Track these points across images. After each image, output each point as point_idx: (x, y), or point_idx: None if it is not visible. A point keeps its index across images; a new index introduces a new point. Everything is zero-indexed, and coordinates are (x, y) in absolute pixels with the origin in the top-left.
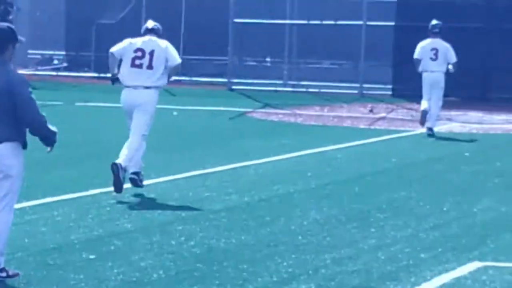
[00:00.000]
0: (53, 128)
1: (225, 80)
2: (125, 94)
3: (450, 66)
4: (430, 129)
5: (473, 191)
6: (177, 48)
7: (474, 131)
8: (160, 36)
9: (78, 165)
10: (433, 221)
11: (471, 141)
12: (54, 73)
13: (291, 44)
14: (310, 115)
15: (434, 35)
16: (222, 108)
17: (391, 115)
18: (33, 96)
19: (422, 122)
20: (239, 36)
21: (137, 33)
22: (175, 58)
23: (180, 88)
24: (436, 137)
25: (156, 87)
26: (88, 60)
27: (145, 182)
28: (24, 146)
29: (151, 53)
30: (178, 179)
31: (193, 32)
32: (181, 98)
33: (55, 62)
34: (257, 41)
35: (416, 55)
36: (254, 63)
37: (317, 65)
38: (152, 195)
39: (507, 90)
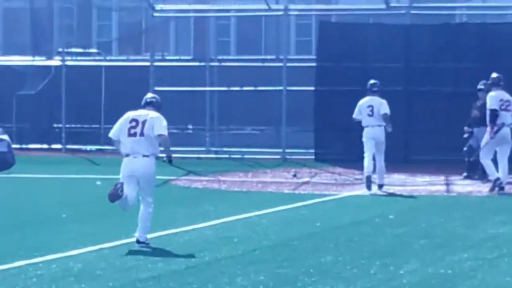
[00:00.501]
0: None
1: None
2: (126, 163)
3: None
4: (381, 185)
5: (399, 253)
6: (98, 118)
7: (398, 193)
8: (158, 107)
9: (1, 236)
10: (361, 284)
11: (395, 203)
12: None
13: (213, 110)
14: (234, 181)
15: (372, 93)
16: None
17: (314, 179)
18: None
19: (369, 186)
20: None
21: (55, 104)
22: (160, 128)
23: (102, 157)
24: (376, 195)
25: (153, 155)
26: (9, 131)
27: (71, 253)
28: None
29: (143, 122)
30: (104, 248)
31: (113, 101)
32: (103, 167)
33: None
34: (178, 109)
35: (354, 115)
36: (176, 131)
37: (239, 131)
38: (78, 265)
39: (428, 152)
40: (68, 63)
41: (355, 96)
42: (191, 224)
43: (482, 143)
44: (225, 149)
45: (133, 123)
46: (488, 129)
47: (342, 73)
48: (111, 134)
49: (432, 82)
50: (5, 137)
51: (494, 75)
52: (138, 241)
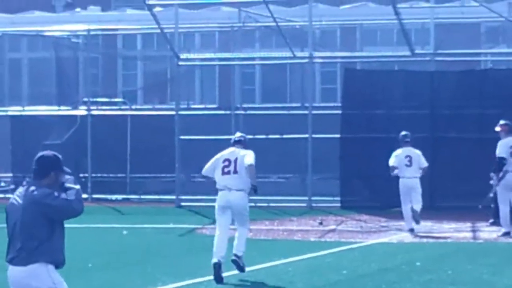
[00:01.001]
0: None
1: (173, 197)
2: (221, 195)
3: (420, 171)
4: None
5: None
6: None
7: (425, 240)
8: (245, 144)
9: None
10: None
11: (422, 250)
12: (1, 195)
13: None
14: (260, 229)
15: (406, 144)
16: (171, 226)
17: (340, 227)
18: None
19: (417, 220)
20: (186, 152)
21: (81, 153)
22: (249, 160)
23: (128, 206)
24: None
25: (244, 190)
26: None
27: None
28: (57, 265)
29: (235, 161)
30: None
31: (139, 150)
32: (130, 216)
33: (2, 184)
34: (204, 157)
35: (391, 162)
36: (202, 179)
37: (265, 179)
38: None
39: (454, 198)
40: (93, 112)
41: (381, 143)
42: None
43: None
44: (250, 197)
45: (226, 163)
46: (494, 177)
47: (367, 120)
48: (204, 172)
49: (457, 128)
50: (76, 186)
51: (502, 122)
52: (236, 256)
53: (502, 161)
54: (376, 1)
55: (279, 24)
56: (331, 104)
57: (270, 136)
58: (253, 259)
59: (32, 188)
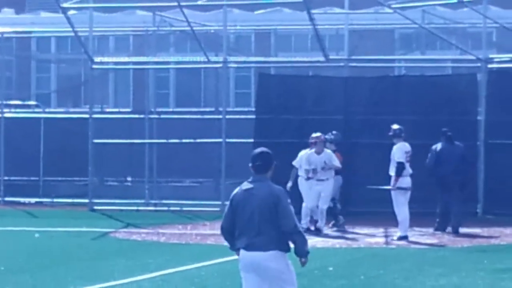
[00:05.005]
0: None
1: (86, 200)
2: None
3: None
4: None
5: None
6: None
7: (337, 245)
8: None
9: None
10: None
11: (335, 255)
12: None
13: (152, 163)
14: (173, 233)
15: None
16: (84, 229)
17: None
18: (291, 206)
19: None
20: (99, 156)
21: None
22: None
23: (41, 210)
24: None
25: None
26: None
27: None
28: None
29: None
30: None
31: (52, 153)
32: (42, 219)
33: None
34: (117, 161)
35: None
36: (115, 183)
37: (178, 184)
38: None
39: (367, 204)
40: (6, 115)
41: (294, 148)
42: (130, 276)
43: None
44: (164, 201)
45: None
46: (393, 180)
47: (281, 125)
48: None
49: (371, 134)
50: None
51: (395, 126)
52: None
53: (402, 165)
54: (290, 6)
55: (194, 28)
56: (245, 109)
57: (184, 141)
58: (166, 263)
59: None
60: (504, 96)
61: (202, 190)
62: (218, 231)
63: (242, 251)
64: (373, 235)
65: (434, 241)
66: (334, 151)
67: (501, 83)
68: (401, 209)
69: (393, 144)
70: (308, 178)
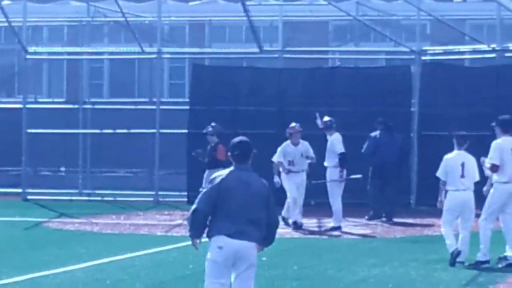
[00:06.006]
0: None
1: (19, 190)
2: None
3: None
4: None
5: None
6: None
7: None
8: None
9: None
10: None
11: None
12: None
13: (85, 153)
14: (106, 223)
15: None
16: (17, 219)
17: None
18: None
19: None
20: (33, 146)
21: None
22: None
23: None
24: None
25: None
26: None
27: None
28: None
29: None
30: None
31: None
32: None
33: None
34: (51, 151)
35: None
36: (49, 173)
37: (112, 174)
38: None
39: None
40: None
41: (228, 139)
42: (63, 266)
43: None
44: (97, 191)
45: None
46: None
47: (215, 116)
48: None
49: (305, 125)
50: None
51: (326, 118)
52: None
53: (345, 156)
54: None
55: (128, 19)
56: (179, 100)
57: (118, 131)
58: (100, 253)
59: None
60: (437, 88)
61: (136, 180)
62: (152, 221)
63: (225, 238)
64: (306, 226)
65: (367, 231)
66: (217, 144)
67: (434, 75)
68: (336, 199)
69: (325, 135)
70: (288, 172)
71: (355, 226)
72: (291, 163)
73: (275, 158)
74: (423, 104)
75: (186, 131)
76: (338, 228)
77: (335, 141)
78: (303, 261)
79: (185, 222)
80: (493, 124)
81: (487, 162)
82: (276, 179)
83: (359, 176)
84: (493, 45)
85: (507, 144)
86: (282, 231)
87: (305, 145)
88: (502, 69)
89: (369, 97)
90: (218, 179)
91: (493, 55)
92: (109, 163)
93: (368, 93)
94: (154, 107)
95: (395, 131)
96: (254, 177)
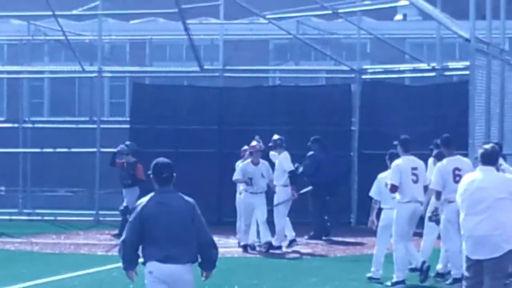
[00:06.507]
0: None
1: None
2: None
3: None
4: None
5: None
6: None
7: None
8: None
9: None
10: None
11: None
12: None
13: (26, 172)
14: (46, 243)
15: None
16: None
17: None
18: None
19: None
20: None
21: None
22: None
23: None
24: None
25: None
26: None
27: None
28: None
29: None
30: None
31: None
32: None
33: None
34: None
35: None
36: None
37: (53, 193)
38: None
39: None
40: None
41: (169, 158)
42: (3, 286)
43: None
44: (38, 210)
45: None
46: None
47: (155, 135)
48: None
49: (246, 144)
50: None
51: (276, 137)
52: None
53: (295, 173)
54: (165, 16)
55: (69, 38)
56: (120, 119)
57: (58, 150)
58: (40, 273)
59: None
60: (377, 106)
61: (76, 200)
62: (92, 241)
63: (156, 264)
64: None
65: (308, 250)
66: (135, 162)
67: (374, 94)
68: (282, 219)
69: (267, 155)
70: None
71: (296, 245)
72: (250, 180)
73: (234, 177)
74: (364, 123)
75: None
76: (279, 247)
77: (284, 160)
78: (244, 280)
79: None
80: (395, 142)
81: (388, 182)
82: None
83: (309, 188)
84: (433, 64)
85: (407, 164)
86: (222, 250)
87: (265, 165)
88: (442, 87)
89: (309, 115)
90: (139, 208)
91: (433, 73)
92: (49, 182)
93: (309, 111)
94: (94, 126)
95: (330, 150)
96: (176, 198)
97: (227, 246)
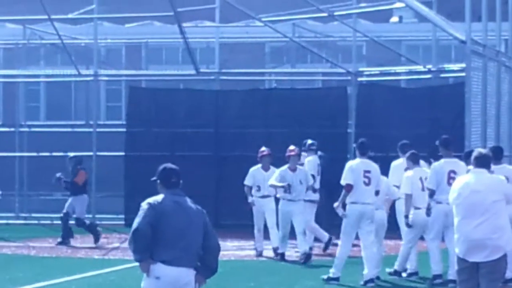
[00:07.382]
0: None
1: None
2: None
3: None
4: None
5: None
6: None
7: None
8: None
9: None
10: None
11: None
12: None
13: (22, 176)
14: (43, 247)
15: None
16: None
17: (125, 245)
18: None
19: None
20: None
21: None
22: None
23: None
24: None
25: None
26: None
27: None
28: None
29: None
30: None
31: None
32: None
33: None
34: None
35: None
36: None
37: (49, 197)
38: None
39: (239, 217)
40: None
41: (166, 161)
42: None
43: None
44: (34, 214)
45: None
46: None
47: (152, 139)
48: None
49: (242, 147)
50: None
51: (309, 141)
52: None
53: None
54: (161, 20)
55: (65, 41)
56: (116, 122)
57: (54, 154)
58: (37, 277)
59: None
60: (373, 109)
61: None
62: (89, 245)
63: (162, 267)
64: (244, 248)
65: None
66: (79, 169)
67: (370, 96)
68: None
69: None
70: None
71: (292, 248)
72: (258, 188)
73: (246, 182)
74: (360, 125)
75: (123, 153)
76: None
77: (308, 164)
78: (240, 283)
79: (123, 245)
80: (354, 145)
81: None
82: (249, 199)
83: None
84: (428, 66)
85: (360, 166)
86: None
87: (303, 171)
88: (438, 89)
89: (305, 118)
90: (153, 202)
91: (429, 75)
92: (45, 186)
93: (305, 114)
94: (90, 129)
95: (328, 153)
96: (188, 201)
97: (224, 249)
